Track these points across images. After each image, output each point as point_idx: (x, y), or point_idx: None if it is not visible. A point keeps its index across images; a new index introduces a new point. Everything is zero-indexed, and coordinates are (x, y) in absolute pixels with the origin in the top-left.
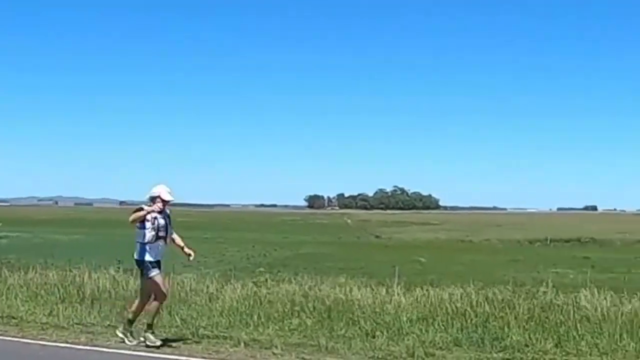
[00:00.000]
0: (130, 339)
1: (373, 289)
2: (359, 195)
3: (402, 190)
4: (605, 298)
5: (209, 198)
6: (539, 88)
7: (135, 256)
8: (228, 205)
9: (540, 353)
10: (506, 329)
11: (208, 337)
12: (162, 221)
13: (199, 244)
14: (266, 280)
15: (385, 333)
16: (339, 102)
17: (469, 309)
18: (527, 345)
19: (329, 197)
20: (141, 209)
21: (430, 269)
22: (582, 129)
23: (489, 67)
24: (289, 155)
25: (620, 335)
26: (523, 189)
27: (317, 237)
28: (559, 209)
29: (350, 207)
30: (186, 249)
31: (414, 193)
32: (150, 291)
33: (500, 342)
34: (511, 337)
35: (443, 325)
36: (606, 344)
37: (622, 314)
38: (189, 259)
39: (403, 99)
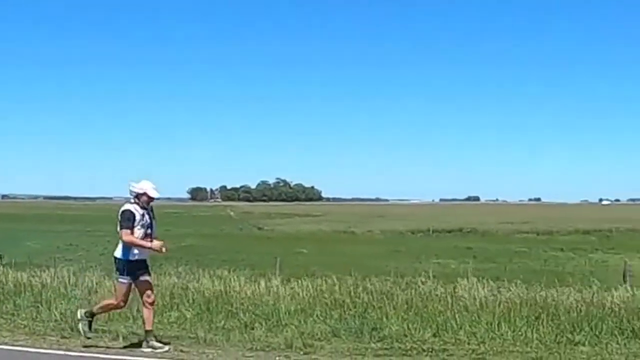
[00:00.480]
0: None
1: (253, 281)
2: (241, 187)
3: (285, 182)
4: (483, 287)
5: (91, 191)
6: (417, 79)
7: (118, 254)
8: (111, 198)
9: (419, 343)
10: (385, 319)
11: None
12: (148, 218)
13: (81, 237)
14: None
15: (264, 324)
16: (219, 94)
17: (347, 299)
18: (405, 335)
19: (211, 190)
20: (131, 215)
21: (312, 261)
22: (463, 121)
23: (369, 57)
24: (172, 147)
25: (498, 323)
26: (405, 180)
27: (200, 230)
28: (441, 199)
29: (233, 199)
30: (155, 241)
31: (297, 185)
32: (126, 294)
33: (379, 332)
34: (390, 327)
35: (322, 316)
36: (484, 332)
37: (499, 303)
38: (161, 251)
39: (284, 90)
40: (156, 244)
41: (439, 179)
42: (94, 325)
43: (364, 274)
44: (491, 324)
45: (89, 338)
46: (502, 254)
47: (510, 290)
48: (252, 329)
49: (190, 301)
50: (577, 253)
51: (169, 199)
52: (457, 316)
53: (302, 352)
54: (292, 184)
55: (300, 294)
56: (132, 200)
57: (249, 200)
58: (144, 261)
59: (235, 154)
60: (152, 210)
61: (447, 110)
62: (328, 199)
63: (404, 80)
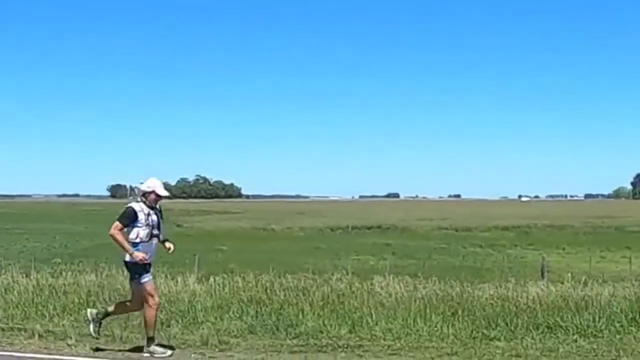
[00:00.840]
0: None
1: (171, 278)
2: None
3: (205, 179)
4: (399, 284)
5: (10, 189)
6: (335, 77)
7: (127, 258)
8: (29, 196)
9: (335, 339)
10: (301, 316)
11: (2, 329)
12: (155, 217)
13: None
14: (61, 272)
15: (180, 322)
16: (139, 91)
17: (264, 296)
18: (321, 332)
19: (131, 187)
20: (133, 213)
21: (230, 258)
22: (382, 119)
23: (283, 55)
24: (91, 144)
25: (414, 319)
26: (325, 178)
27: None
28: (361, 196)
29: None
30: (167, 243)
31: (217, 182)
32: (141, 297)
33: (295, 329)
34: (305, 324)
35: (238, 313)
36: (400, 328)
37: (415, 300)
38: (168, 252)
39: (203, 87)
40: (137, 254)
41: (358, 176)
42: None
43: (283, 271)
44: (407, 320)
45: (97, 339)
46: (421, 251)
47: (426, 288)
48: (169, 326)
49: (108, 299)
50: (496, 249)
51: (89, 196)
52: (373, 312)
53: (217, 349)
54: (211, 181)
55: (217, 291)
56: (139, 199)
57: (168, 198)
58: (149, 264)
59: (155, 151)
60: (160, 210)
61: (366, 108)
62: (248, 196)
63: (321, 79)
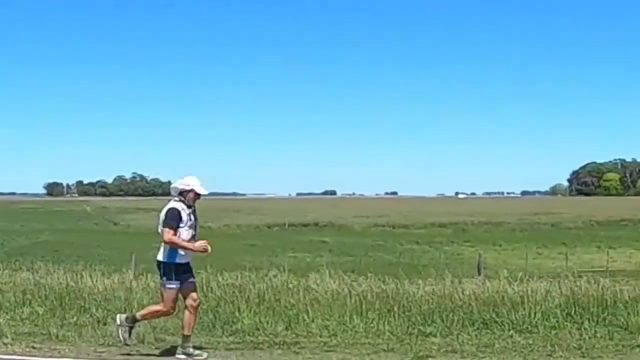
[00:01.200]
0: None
1: (108, 277)
2: (98, 182)
3: (141, 177)
4: (335, 281)
5: None
6: (273, 74)
7: (162, 258)
8: None
9: (271, 336)
10: (237, 313)
11: None
12: (193, 218)
13: None
14: None
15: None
16: (71, 89)
17: (200, 293)
18: (257, 329)
19: (68, 185)
20: (178, 214)
21: None
22: (318, 115)
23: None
24: (27, 142)
25: (350, 316)
26: (262, 175)
27: (56, 225)
28: (298, 194)
29: (90, 194)
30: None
31: (153, 179)
32: (172, 300)
33: (231, 326)
34: (242, 321)
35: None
36: (336, 325)
37: (351, 296)
38: (205, 251)
39: (136, 84)
40: (199, 244)
41: (295, 173)
42: (134, 332)
43: (220, 268)
44: (343, 317)
45: (128, 345)
46: (358, 248)
47: (362, 285)
48: (105, 324)
49: (43, 297)
50: (433, 246)
51: (25, 194)
52: (309, 309)
53: (154, 347)
54: (148, 179)
55: (154, 288)
56: (177, 199)
57: (105, 195)
58: (188, 263)
59: (92, 149)
60: (195, 211)
61: (303, 104)
62: None
63: (255, 75)
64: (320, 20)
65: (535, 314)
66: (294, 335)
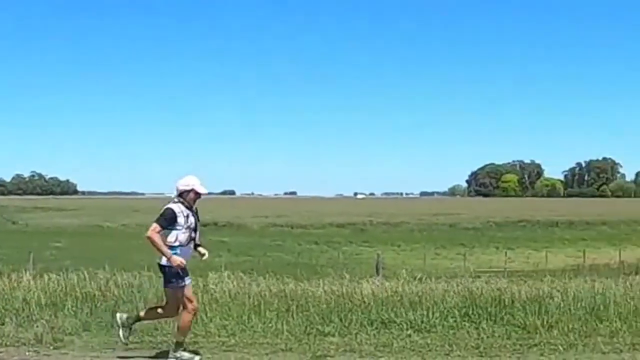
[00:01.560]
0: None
1: (6, 276)
2: None
3: (40, 176)
4: (233, 280)
5: None
6: (170, 75)
7: (166, 262)
8: None
9: (169, 336)
10: (135, 313)
11: None
12: (193, 219)
13: None
14: None
15: (14, 320)
16: None
17: (98, 293)
18: (156, 329)
19: None
20: (173, 215)
21: (66, 254)
22: (215, 116)
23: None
24: None
25: (248, 316)
26: (162, 174)
27: None
28: None
29: None
30: (201, 249)
31: (52, 178)
32: (177, 303)
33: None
34: (140, 322)
35: (73, 310)
36: (234, 324)
37: (249, 296)
38: (202, 259)
39: (38, 81)
40: (175, 259)
41: (194, 172)
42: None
43: (118, 267)
44: (242, 317)
45: (127, 345)
46: (256, 248)
47: (260, 285)
48: (2, 324)
49: None
50: (331, 246)
51: None
52: (207, 309)
53: (52, 347)
54: (47, 178)
55: (52, 288)
56: (176, 199)
57: (3, 194)
58: (186, 268)
59: None
60: (196, 212)
61: (196, 105)
62: (84, 193)
63: (152, 77)
64: None
65: (433, 313)
66: (192, 335)
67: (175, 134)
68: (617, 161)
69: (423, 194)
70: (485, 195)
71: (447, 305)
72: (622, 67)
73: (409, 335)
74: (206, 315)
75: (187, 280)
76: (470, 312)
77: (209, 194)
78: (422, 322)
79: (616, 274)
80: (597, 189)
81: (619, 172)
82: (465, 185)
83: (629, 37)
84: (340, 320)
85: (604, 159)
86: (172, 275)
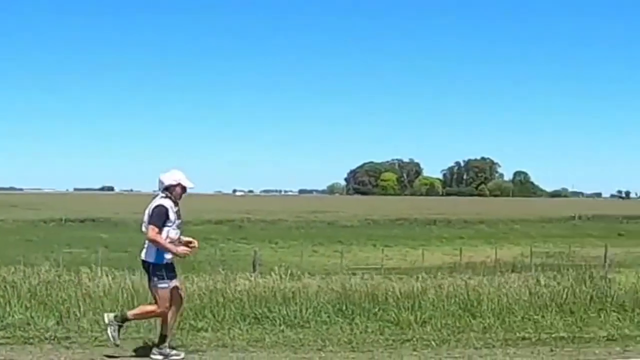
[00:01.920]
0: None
1: None
2: None
3: None
4: (107, 275)
5: None
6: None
7: (149, 258)
8: None
9: (42, 331)
10: (8, 308)
11: None
12: (178, 215)
13: None
14: None
15: None
16: None
17: None
18: (28, 324)
19: None
20: (165, 211)
21: None
22: (97, 110)
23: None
24: None
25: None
26: (40, 169)
27: None
28: (75, 189)
29: None
30: (185, 238)
31: None
32: (166, 300)
33: (2, 321)
34: (13, 316)
35: None
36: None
37: (123, 291)
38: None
39: None
40: (181, 249)
41: (73, 167)
42: (122, 331)
43: None
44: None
45: (117, 345)
46: (135, 244)
47: (134, 281)
48: None
49: None
50: (209, 242)
51: None
52: (80, 304)
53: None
54: None
55: None
56: (163, 194)
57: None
58: (172, 264)
59: None
60: (179, 209)
61: (79, 100)
62: None
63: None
64: None
65: (307, 309)
66: (65, 330)
67: (52, 128)
68: (495, 161)
69: (302, 191)
70: (364, 193)
71: (321, 301)
72: (500, 66)
73: (282, 331)
74: (79, 310)
75: (175, 281)
76: (344, 308)
77: (89, 189)
78: (295, 317)
79: (492, 272)
80: (476, 188)
81: (497, 172)
82: (344, 183)
83: (503, 36)
84: (214, 315)
85: (483, 158)
86: (158, 275)
